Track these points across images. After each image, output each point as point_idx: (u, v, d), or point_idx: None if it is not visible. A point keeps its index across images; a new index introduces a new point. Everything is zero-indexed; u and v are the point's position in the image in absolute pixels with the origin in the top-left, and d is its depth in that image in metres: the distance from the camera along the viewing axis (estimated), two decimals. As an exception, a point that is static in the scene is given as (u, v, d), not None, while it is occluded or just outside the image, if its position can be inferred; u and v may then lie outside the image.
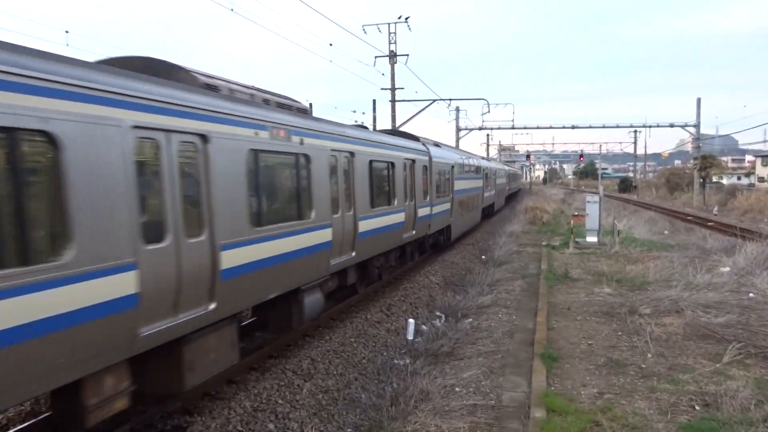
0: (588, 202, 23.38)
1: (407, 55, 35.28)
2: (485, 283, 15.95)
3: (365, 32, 33.16)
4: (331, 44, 52.64)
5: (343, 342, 10.66)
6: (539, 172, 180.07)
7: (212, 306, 6.62)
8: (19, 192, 4.47)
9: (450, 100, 40.32)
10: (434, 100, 37.56)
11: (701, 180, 52.77)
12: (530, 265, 19.47)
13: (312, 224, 9.10)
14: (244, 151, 7.24)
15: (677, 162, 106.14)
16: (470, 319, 12.38)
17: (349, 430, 7.75)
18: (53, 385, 4.80)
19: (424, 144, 17.33)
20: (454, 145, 50.83)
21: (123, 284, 5.32)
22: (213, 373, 6.98)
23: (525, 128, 57.84)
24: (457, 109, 52.02)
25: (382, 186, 12.77)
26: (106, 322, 5.14)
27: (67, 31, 17.91)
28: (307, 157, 9.00)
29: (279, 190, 8.50)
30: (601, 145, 77.41)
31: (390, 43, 33.43)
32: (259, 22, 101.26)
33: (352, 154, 11.02)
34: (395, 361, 10.26)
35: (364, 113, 72.27)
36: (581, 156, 67.20)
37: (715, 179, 63.99)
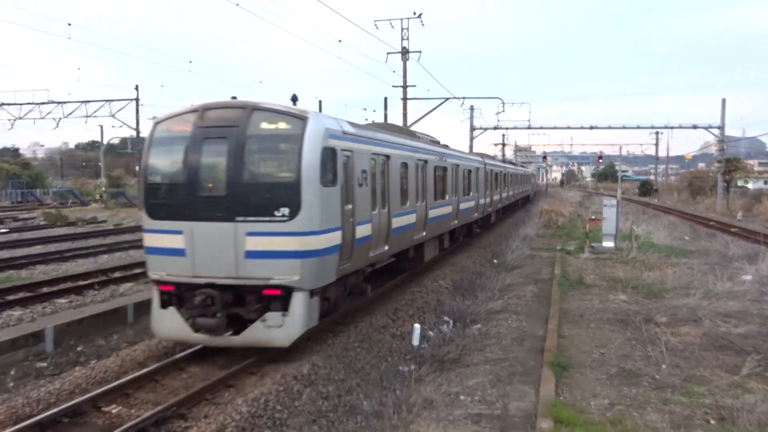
0: (605, 205, 23.22)
1: (420, 51, 34.83)
2: (496, 288, 15.89)
3: (377, 28, 33.32)
4: (340, 40, 52.74)
5: (346, 347, 10.63)
6: (556, 174, 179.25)
7: (386, 248, 12.47)
8: (391, 180, 12.65)
9: (463, 98, 40.14)
10: (447, 99, 37.54)
11: (725, 184, 52.21)
12: (543, 269, 19.37)
13: (445, 202, 17.78)
14: (400, 164, 13.49)
15: (701, 165, 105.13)
16: (479, 325, 12.32)
17: (349, 438, 7.72)
18: (375, 261, 12.48)
19: (481, 156, 28.20)
20: (468, 145, 50.76)
21: (367, 230, 11.05)
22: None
23: (542, 128, 57.84)
24: (471, 108, 51.82)
25: (467, 183, 21.69)
26: (365, 246, 11.06)
27: (69, 24, 18.22)
28: (429, 165, 16.11)
29: (420, 184, 15.11)
30: (621, 147, 76.84)
31: (402, 39, 33.40)
32: (265, 16, 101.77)
33: (457, 165, 19.63)
34: (399, 368, 10.22)
35: (375, 111, 72.74)
36: (600, 157, 66.50)
37: (740, 183, 63.28)
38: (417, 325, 11.82)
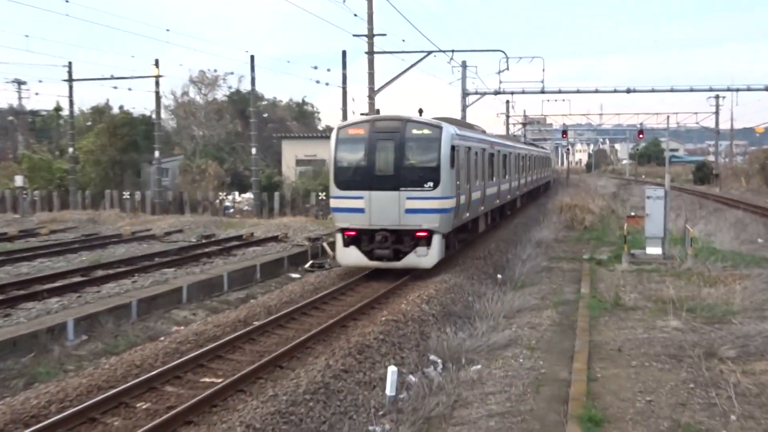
0: (648, 197, 23.56)
1: (391, -15, 35.10)
2: (500, 313, 16.02)
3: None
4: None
5: (294, 400, 10.62)
6: (581, 155, 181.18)
7: (467, 214, 23.10)
8: (498, 164, 29.78)
9: (452, 51, 40.38)
10: (430, 52, 37.71)
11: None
12: (565, 287, 19.53)
13: (500, 182, 30.04)
14: (474, 153, 23.92)
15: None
16: (478, 366, 12.40)
17: None
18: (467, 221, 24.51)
19: (525, 142, 47.44)
20: (459, 115, 50.98)
21: (463, 199, 21.95)
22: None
23: (560, 92, 57.92)
24: (464, 65, 51.65)
25: (504, 167, 32.02)
26: (462, 210, 22.07)
27: (67, 1, 18.24)
28: (486, 152, 26.55)
29: (481, 168, 25.07)
30: (668, 117, 77.22)
31: (366, -33, 33.45)
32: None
33: (510, 153, 33.21)
34: (369, 429, 10.23)
35: (329, 70, 71.77)
36: (641, 132, 67.60)
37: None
38: (392, 368, 11.82)
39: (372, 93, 34.74)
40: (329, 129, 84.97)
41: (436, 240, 20.15)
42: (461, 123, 28.11)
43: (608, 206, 44.77)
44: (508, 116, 77.84)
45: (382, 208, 20.13)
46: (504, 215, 35.11)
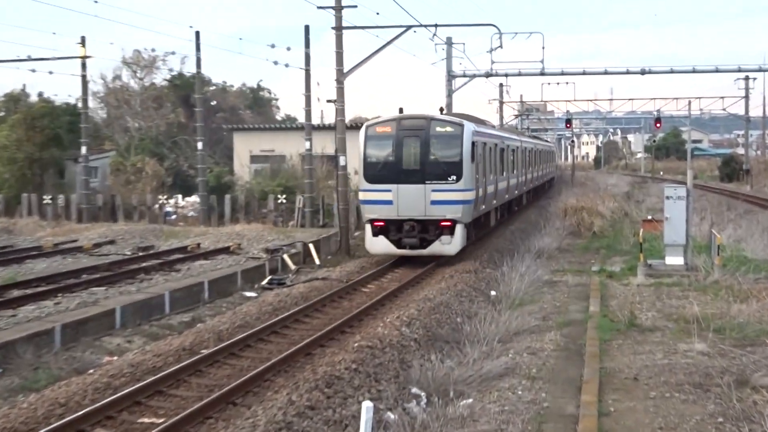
0: (668, 198, 23.68)
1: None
2: (495, 337, 15.99)
3: None
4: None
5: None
6: (588, 148, 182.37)
7: (483, 206, 30.02)
8: (507, 158, 37.66)
9: (435, 26, 40.34)
10: (409, 27, 37.60)
11: None
12: (571, 305, 19.60)
13: (509, 177, 38.02)
14: (488, 148, 31.29)
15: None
16: (469, 400, 12.39)
17: None
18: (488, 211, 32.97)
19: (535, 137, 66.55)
20: (444, 102, 51.10)
21: (480, 192, 28.65)
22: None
23: (563, 74, 58.34)
24: (449, 43, 51.87)
25: (512, 162, 39.90)
26: (480, 202, 28.80)
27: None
28: (501, 148, 35.35)
29: (493, 163, 32.43)
30: (690, 102, 78.01)
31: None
32: None
33: (518, 147, 42.20)
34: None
35: (289, 49, 71.20)
36: (658, 120, 68.14)
37: None
38: (367, 404, 11.78)
39: (340, 76, 34.57)
40: (289, 119, 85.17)
41: (459, 229, 26.13)
42: (474, 119, 33.19)
43: (620, 209, 44.99)
44: (502, 103, 77.18)
45: (409, 199, 26.04)
46: (511, 211, 42.51)
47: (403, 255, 26.80)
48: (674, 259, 23.35)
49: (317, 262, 29.92)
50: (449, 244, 25.93)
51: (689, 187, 24.84)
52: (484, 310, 19.16)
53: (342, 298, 21.64)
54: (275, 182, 49.31)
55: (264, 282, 25.93)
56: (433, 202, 25.73)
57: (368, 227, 26.76)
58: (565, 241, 32.76)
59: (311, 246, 30.91)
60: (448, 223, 25.80)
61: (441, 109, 27.57)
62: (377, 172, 26.52)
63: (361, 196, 27.38)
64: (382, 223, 26.24)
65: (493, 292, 21.88)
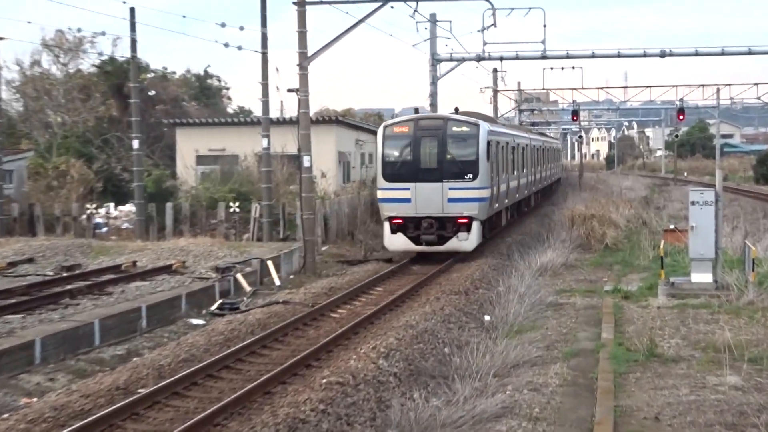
0: (693, 203, 23.75)
1: None
2: (490, 370, 16.02)
3: None
4: None
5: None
6: (599, 145, 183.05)
7: (497, 205, 37.84)
8: (517, 157, 46.34)
9: (416, 1, 40.35)
10: (386, 2, 37.60)
11: None
12: (580, 331, 19.65)
13: (519, 176, 46.77)
14: (501, 147, 39.47)
15: None
16: (460, 447, 12.36)
17: None
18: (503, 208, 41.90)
19: (544, 135, 75.93)
20: (428, 90, 51.18)
21: (496, 190, 36.67)
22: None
23: (568, 57, 58.16)
24: (433, 20, 51.90)
25: (535, 158, 56.03)
26: (495, 200, 36.77)
27: None
28: (512, 146, 44.10)
29: (506, 161, 41.15)
30: (719, 90, 78.34)
31: None
32: None
33: (527, 145, 51.60)
34: None
35: (242, 29, 70.90)
36: (681, 112, 68.47)
37: None
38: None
39: (304, 60, 34.41)
40: (243, 112, 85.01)
41: (476, 226, 32.16)
42: (485, 117, 40.84)
43: (638, 217, 45.24)
44: (496, 91, 76.79)
45: (427, 197, 32.01)
46: (521, 212, 49.63)
47: (422, 251, 32.91)
48: (701, 276, 23.43)
49: (277, 282, 29.89)
50: (466, 240, 31.85)
51: (718, 190, 24.84)
52: (476, 339, 19.16)
53: (307, 325, 21.59)
54: (226, 187, 49.03)
55: (213, 307, 25.84)
56: (451, 200, 31.71)
57: (386, 225, 32.72)
58: (572, 255, 32.83)
59: (270, 263, 30.91)
60: (465, 220, 31.73)
61: (456, 109, 34.01)
62: (395, 171, 32.85)
63: (380, 194, 33.74)
64: (400, 221, 32.21)
65: (486, 317, 21.92)
